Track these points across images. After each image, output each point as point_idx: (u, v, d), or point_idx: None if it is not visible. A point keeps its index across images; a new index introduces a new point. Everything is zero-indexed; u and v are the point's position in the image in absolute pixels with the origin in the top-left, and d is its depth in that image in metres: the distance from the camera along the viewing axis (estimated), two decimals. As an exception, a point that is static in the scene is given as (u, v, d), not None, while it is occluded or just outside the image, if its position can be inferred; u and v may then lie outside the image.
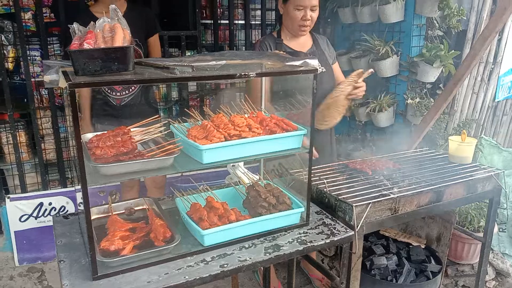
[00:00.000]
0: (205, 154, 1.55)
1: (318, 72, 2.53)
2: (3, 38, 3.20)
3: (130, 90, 2.87)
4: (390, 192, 1.97)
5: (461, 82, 2.94)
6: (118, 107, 2.86)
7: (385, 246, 2.59)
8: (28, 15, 3.33)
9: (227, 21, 3.95)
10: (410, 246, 2.61)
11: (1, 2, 3.23)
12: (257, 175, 2.17)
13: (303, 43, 2.59)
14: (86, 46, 1.35)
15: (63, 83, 1.36)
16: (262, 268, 2.54)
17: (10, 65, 3.31)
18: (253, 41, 4.18)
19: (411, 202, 2.01)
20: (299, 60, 1.69)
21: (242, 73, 1.49)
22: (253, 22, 4.12)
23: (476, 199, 2.49)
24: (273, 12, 4.16)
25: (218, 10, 3.97)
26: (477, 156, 3.26)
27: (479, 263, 2.54)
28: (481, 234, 2.64)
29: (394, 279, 2.37)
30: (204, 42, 4.11)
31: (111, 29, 1.44)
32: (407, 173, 2.25)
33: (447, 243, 2.58)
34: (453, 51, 3.12)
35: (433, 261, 2.51)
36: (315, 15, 2.45)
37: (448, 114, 3.35)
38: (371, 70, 2.51)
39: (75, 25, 1.50)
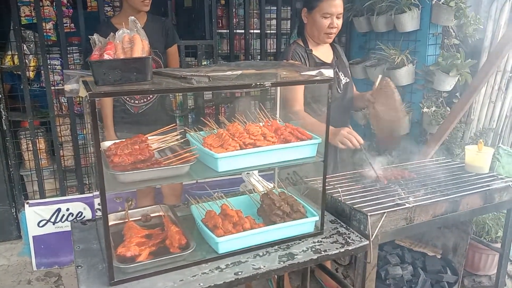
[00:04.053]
0: (220, 162, 1.57)
1: (343, 82, 2.60)
2: (25, 47, 3.29)
3: (148, 98, 2.92)
4: (405, 202, 1.96)
5: (478, 91, 2.92)
6: (135, 114, 2.91)
7: (400, 256, 2.57)
8: (49, 25, 3.42)
9: (242, 31, 3.99)
10: (426, 256, 2.59)
11: (24, 13, 3.32)
12: (271, 183, 2.18)
13: (327, 52, 2.60)
14: (106, 57, 1.39)
15: (83, 93, 1.40)
16: (276, 276, 2.54)
17: (31, 74, 3.40)
18: (268, 50, 4.21)
19: (427, 212, 2.00)
20: (314, 70, 1.70)
21: (257, 83, 1.51)
22: (268, 32, 4.15)
23: (493, 210, 2.46)
24: (288, 22, 4.19)
25: (234, 19, 4.01)
26: (495, 166, 3.22)
27: (497, 275, 2.50)
28: (498, 245, 2.61)
29: (409, 289, 2.36)
30: (220, 51, 4.16)
31: (130, 40, 1.48)
32: (422, 183, 2.23)
33: (464, 253, 2.55)
34: (469, 60, 3.10)
35: (449, 272, 2.48)
36: (340, 22, 2.46)
37: (464, 123, 3.32)
38: (380, 75, 2.53)
39: (95, 36, 1.55)
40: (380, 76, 2.51)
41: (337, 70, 2.57)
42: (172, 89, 1.47)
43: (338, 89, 2.56)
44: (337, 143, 2.26)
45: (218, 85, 1.49)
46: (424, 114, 3.29)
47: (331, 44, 2.64)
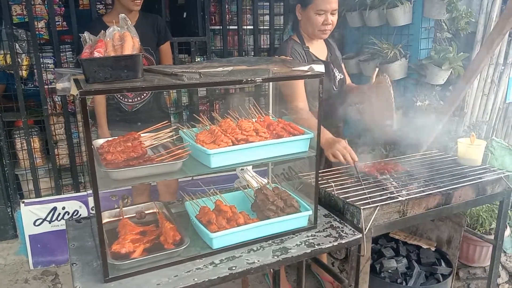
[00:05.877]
0: (212, 158, 1.57)
1: (338, 79, 2.59)
2: (17, 46, 3.27)
3: (142, 96, 2.92)
4: (398, 195, 1.98)
5: (470, 84, 2.93)
6: (130, 113, 2.91)
7: (394, 249, 2.59)
8: (41, 24, 3.40)
9: (235, 27, 3.99)
10: (420, 248, 2.60)
11: (16, 11, 3.30)
12: (265, 178, 2.19)
13: (321, 49, 2.59)
14: (96, 54, 1.39)
15: (74, 91, 1.40)
16: (272, 271, 2.56)
17: (24, 73, 3.38)
18: (262, 46, 4.21)
19: (420, 205, 2.01)
20: (306, 65, 1.71)
21: (248, 79, 1.51)
22: (261, 27, 4.15)
23: (486, 201, 2.48)
24: (281, 17, 4.19)
25: (227, 16, 4.01)
26: (488, 158, 3.24)
27: (490, 266, 2.52)
28: (492, 237, 2.62)
29: (404, 282, 2.38)
30: (213, 48, 4.15)
31: (120, 38, 1.48)
32: (416, 176, 2.25)
33: (458, 245, 2.57)
34: (462, 53, 3.11)
35: (443, 264, 2.50)
36: (335, 19, 2.44)
37: (458, 116, 3.33)
38: (377, 69, 2.52)
39: (86, 34, 1.55)
40: (377, 69, 2.50)
41: (332, 67, 2.56)
42: (162, 86, 1.47)
43: (334, 87, 2.55)
44: (329, 155, 2.20)
45: (209, 82, 1.50)
46: (417, 108, 3.30)
47: (325, 40, 2.64)
